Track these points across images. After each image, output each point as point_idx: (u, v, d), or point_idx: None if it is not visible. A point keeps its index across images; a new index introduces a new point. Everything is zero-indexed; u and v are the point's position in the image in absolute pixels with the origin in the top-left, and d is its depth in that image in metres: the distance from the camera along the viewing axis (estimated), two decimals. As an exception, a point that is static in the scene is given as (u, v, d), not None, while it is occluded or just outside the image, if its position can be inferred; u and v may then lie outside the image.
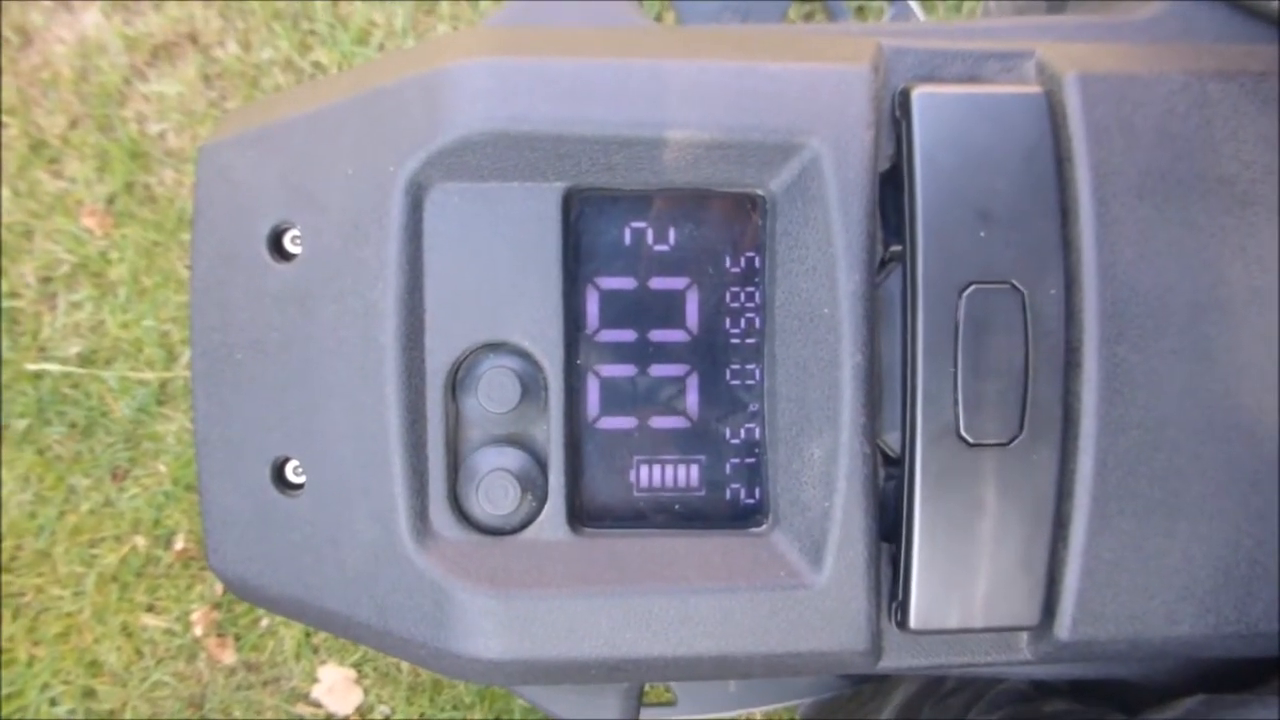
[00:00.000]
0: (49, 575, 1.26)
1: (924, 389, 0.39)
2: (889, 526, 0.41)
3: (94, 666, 1.26)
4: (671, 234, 0.41)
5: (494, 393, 0.40)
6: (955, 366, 0.39)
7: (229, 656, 1.26)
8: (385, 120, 0.39)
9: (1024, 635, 0.42)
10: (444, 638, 0.39)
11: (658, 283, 0.41)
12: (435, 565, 0.39)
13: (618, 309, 0.41)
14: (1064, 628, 0.40)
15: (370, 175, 0.39)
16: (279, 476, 0.42)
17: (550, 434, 0.41)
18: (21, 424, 1.25)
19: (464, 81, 0.38)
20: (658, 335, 0.41)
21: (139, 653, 1.26)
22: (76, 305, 1.25)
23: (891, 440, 0.41)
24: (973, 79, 0.41)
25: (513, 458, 0.41)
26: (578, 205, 0.41)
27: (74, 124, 1.26)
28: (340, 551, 0.41)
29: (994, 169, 0.39)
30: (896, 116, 0.40)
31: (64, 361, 1.25)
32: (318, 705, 1.26)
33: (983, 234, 0.38)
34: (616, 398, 0.42)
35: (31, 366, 1.25)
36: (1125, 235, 0.39)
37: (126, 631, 1.26)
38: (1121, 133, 0.39)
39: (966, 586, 0.39)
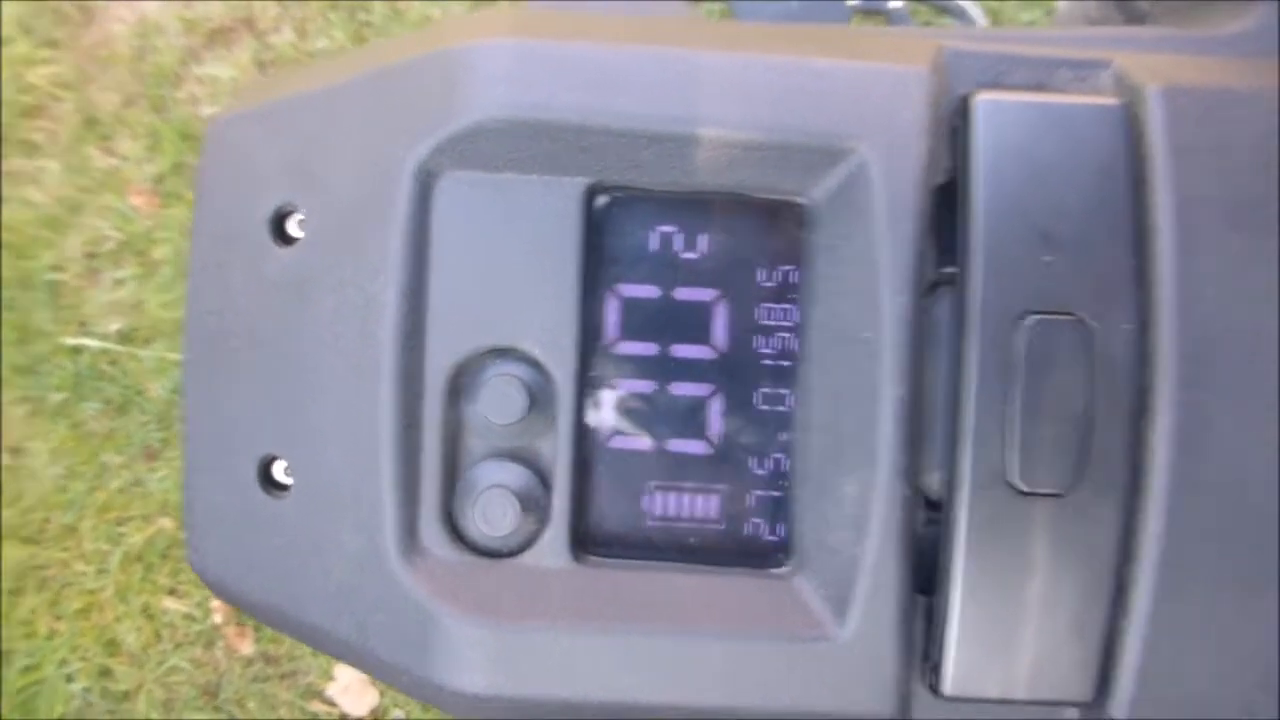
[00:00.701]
0: (74, 550, 1.25)
1: (973, 428, 0.35)
2: (925, 578, 0.37)
3: (112, 645, 1.25)
4: (702, 241, 0.38)
5: (498, 402, 0.36)
6: (1009, 405, 0.35)
7: (247, 646, 1.25)
8: (397, 101, 0.36)
9: (1073, 711, 0.37)
10: (426, 665, 0.36)
11: (684, 293, 0.38)
12: (422, 585, 0.36)
13: (639, 319, 0.38)
14: (1121, 706, 0.35)
15: (378, 159, 0.36)
16: (266, 476, 0.39)
17: (557, 451, 0.37)
18: (58, 398, 1.25)
19: (482, 63, 0.35)
20: (681, 351, 0.38)
21: (158, 635, 1.25)
22: (119, 283, 1.25)
23: (933, 482, 0.37)
24: (1041, 88, 0.37)
25: (515, 474, 0.37)
26: (601, 204, 0.37)
27: (128, 102, 1.26)
28: (324, 561, 0.38)
29: (1063, 187, 0.35)
30: (955, 125, 0.36)
31: (103, 338, 1.25)
32: (332, 704, 1.24)
33: (1047, 259, 0.34)
34: (632, 416, 0.38)
35: (71, 341, 1.25)
36: (1209, 267, 0.34)
37: (147, 613, 1.25)
38: (1209, 153, 0.35)
39: (1010, 651, 0.35)
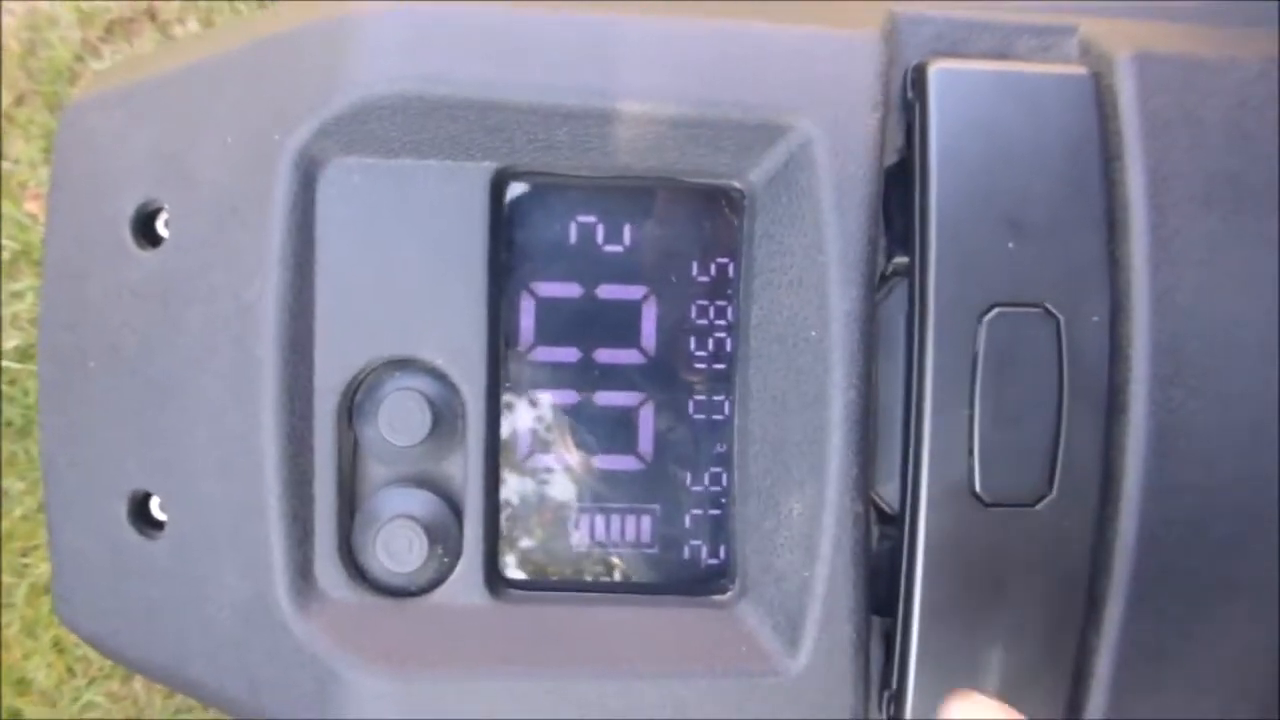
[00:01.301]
0: (-24, 584, 1.18)
1: (931, 434, 0.32)
2: (881, 598, 0.34)
3: (21, 685, 1.18)
4: (626, 232, 0.34)
5: (399, 421, 0.33)
6: (971, 408, 0.32)
7: (167, 677, 1.19)
8: (273, 78, 0.32)
9: (1043, 736, 0.35)
10: (327, 725, 0.32)
11: (608, 291, 0.34)
12: (319, 634, 0.32)
13: (557, 322, 0.34)
14: None
15: (252, 145, 0.32)
16: (139, 513, 0.35)
17: (467, 474, 0.34)
18: (-48, 421, 1.18)
19: (369, 31, 0.31)
20: (606, 356, 0.35)
21: (71, 671, 1.18)
22: (17, 295, 1.18)
23: (888, 494, 0.34)
24: (1002, 56, 0.34)
25: (421, 502, 0.33)
26: (511, 192, 0.34)
27: (19, 101, 1.19)
28: (206, 610, 0.33)
29: (1027, 165, 0.32)
30: (909, 98, 0.33)
31: (2, 355, 1.18)
32: (260, 732, 1.19)
33: (1010, 245, 0.32)
34: (552, 431, 0.35)
35: (-36, 359, 1.17)
36: (1185, 252, 0.32)
37: (58, 647, 1.19)
38: (1184, 127, 0.32)
39: (975, 675, 0.33)
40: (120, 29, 1.18)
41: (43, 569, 1.17)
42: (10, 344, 1.17)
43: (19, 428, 1.17)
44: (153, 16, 1.18)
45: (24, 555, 1.18)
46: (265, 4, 1.17)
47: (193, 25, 1.18)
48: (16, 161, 1.17)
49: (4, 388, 1.17)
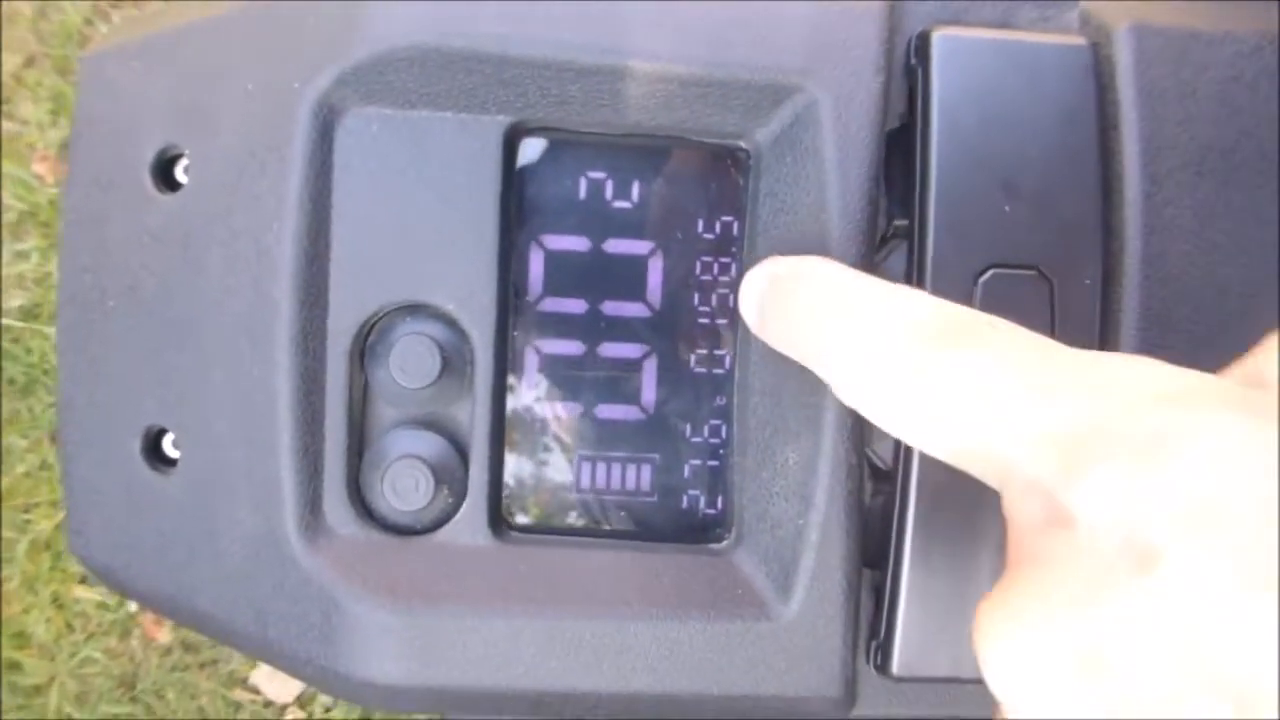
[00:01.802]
0: (-23, 539, 1.18)
1: None
2: (873, 551, 0.34)
3: (21, 638, 1.19)
4: (635, 188, 0.35)
5: (409, 364, 0.33)
6: None
7: (164, 635, 1.19)
8: (293, 28, 0.32)
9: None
10: (332, 655, 0.33)
11: (615, 245, 0.35)
12: (326, 567, 0.33)
13: (565, 274, 0.35)
14: None
15: (272, 93, 0.32)
16: (152, 450, 0.35)
17: (474, 418, 0.34)
18: (-44, 377, 1.18)
19: (389, -17, 0.31)
20: (612, 308, 0.35)
21: (69, 626, 1.19)
22: (22, 255, 1.18)
23: (882, 450, 0.35)
24: (1004, 26, 0.34)
25: (428, 443, 0.34)
26: (523, 145, 0.34)
27: (29, 63, 1.19)
28: (217, 543, 0.34)
29: (1025, 132, 0.32)
30: (911, 64, 0.33)
31: (5, 314, 1.18)
32: (256, 691, 1.19)
33: (1007, 209, 0.32)
34: (557, 379, 0.35)
35: (-31, 317, 1.18)
36: (1178, 219, 0.33)
37: (58, 603, 1.19)
38: (1180, 97, 0.33)
39: (962, 629, 0.33)
40: (130, -9, 1.18)
41: (43, 525, 1.18)
42: (14, 303, 1.17)
43: (21, 385, 1.18)
44: (163, -21, 1.18)
45: (25, 511, 1.19)
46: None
47: (203, -11, 1.17)
48: (25, 123, 1.17)
49: (7, 345, 1.18)
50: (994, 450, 0.22)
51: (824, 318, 0.26)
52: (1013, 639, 0.20)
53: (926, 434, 0.24)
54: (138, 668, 1.19)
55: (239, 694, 1.19)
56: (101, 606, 1.19)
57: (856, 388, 0.25)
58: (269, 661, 0.35)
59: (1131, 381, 0.21)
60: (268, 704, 1.19)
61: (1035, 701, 0.20)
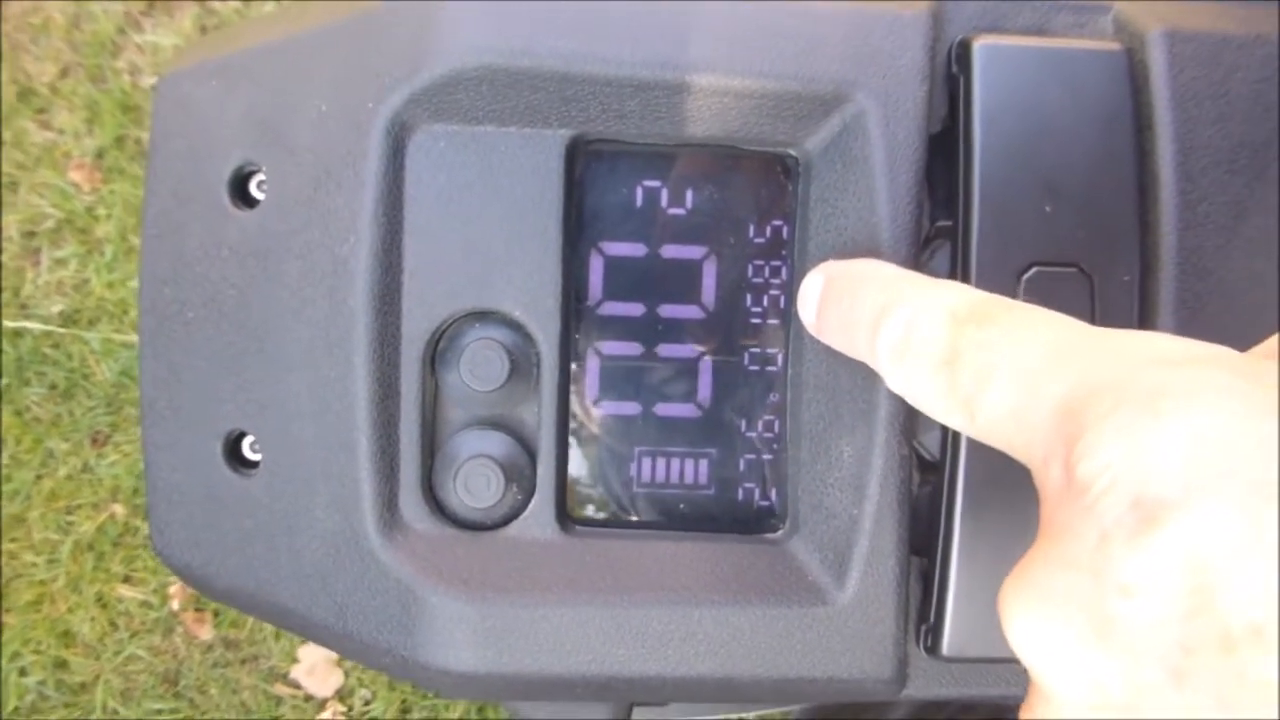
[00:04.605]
0: (23, 541, 1.21)
1: None
2: (921, 539, 0.36)
3: (66, 637, 1.21)
4: (689, 196, 0.36)
5: (479, 368, 0.35)
6: None
7: (206, 632, 1.22)
8: (365, 50, 0.34)
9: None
10: (410, 645, 0.35)
11: (671, 251, 0.36)
12: (403, 562, 0.35)
13: (624, 279, 0.36)
14: None
15: (346, 113, 0.34)
16: (233, 453, 0.37)
17: (541, 418, 0.36)
18: (-1, 383, 1.21)
19: (457, 7, 0.33)
20: (669, 311, 0.36)
21: (113, 624, 1.22)
22: (61, 262, 1.21)
23: (929, 442, 0.36)
24: (1041, 33, 0.36)
25: (497, 443, 0.36)
26: (584, 158, 0.36)
27: (64, 73, 1.21)
28: (297, 541, 0.36)
29: (1063, 135, 0.33)
30: (953, 71, 0.35)
31: (45, 320, 1.21)
32: (296, 686, 1.22)
33: (1048, 209, 0.33)
34: (618, 380, 0.37)
35: (11, 324, 1.20)
36: (1212, 215, 0.34)
37: (101, 602, 1.22)
38: (1212, 99, 0.34)
39: None
40: (161, 3, 1.20)
41: (86, 526, 1.21)
42: (55, 309, 1.20)
43: (63, 390, 1.20)
44: (193, -10, 1.19)
45: (69, 513, 1.21)
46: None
47: (234, 2, 1.19)
48: (61, 132, 1.20)
49: (47, 351, 1.20)
50: (1019, 424, 0.23)
51: (878, 314, 0.28)
52: (1031, 608, 0.21)
53: (962, 413, 0.25)
54: (180, 664, 1.22)
55: (280, 689, 1.22)
56: (144, 605, 1.22)
57: (904, 376, 0.27)
58: (348, 653, 0.37)
59: (1138, 349, 0.22)
60: (308, 699, 1.22)
61: (1057, 667, 0.20)
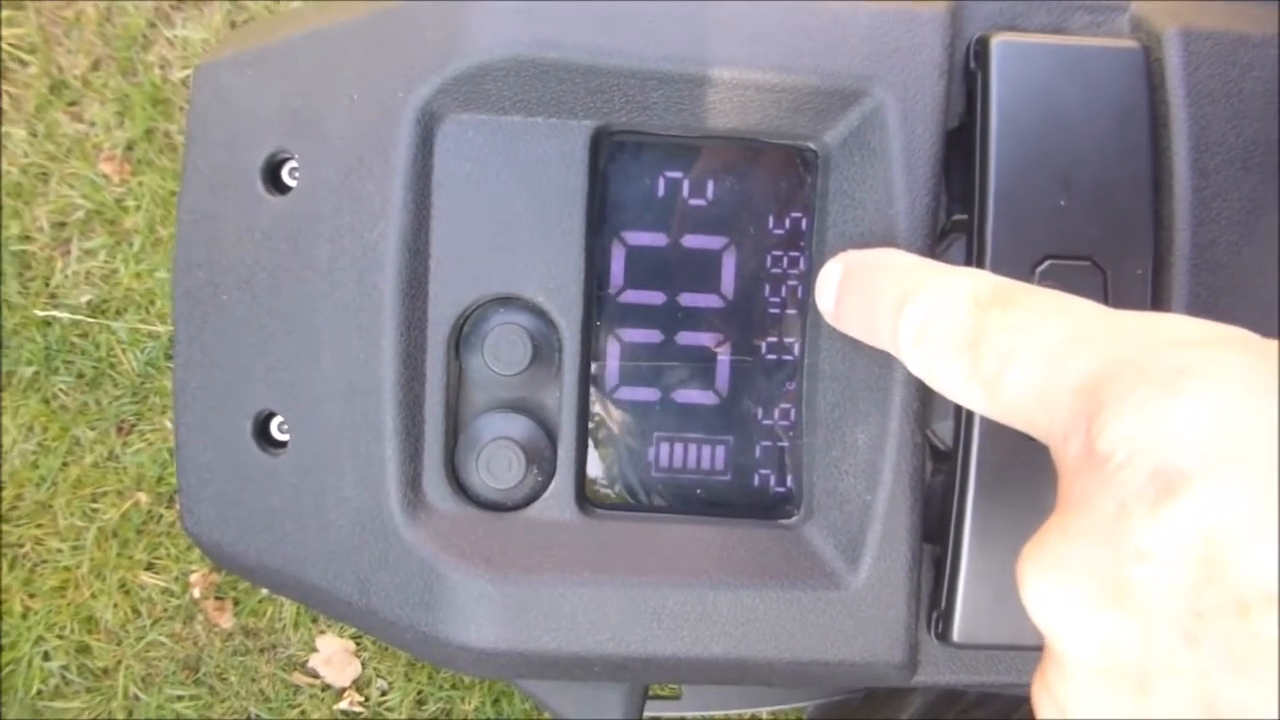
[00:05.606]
0: (48, 527, 1.23)
1: None
2: (933, 527, 0.36)
3: (89, 622, 1.23)
4: (710, 187, 0.37)
5: (502, 352, 0.36)
6: None
7: (227, 620, 1.23)
8: (396, 41, 0.35)
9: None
10: (432, 622, 0.36)
11: (691, 241, 0.37)
12: (426, 540, 0.35)
13: (645, 268, 0.37)
14: None
15: (377, 102, 0.35)
16: (262, 433, 0.38)
17: (562, 402, 0.36)
18: (28, 371, 1.22)
19: (487, 2, 0.34)
20: (688, 299, 0.37)
21: (136, 611, 1.23)
22: (90, 253, 1.23)
23: (942, 431, 0.37)
24: (1058, 31, 0.36)
25: (519, 426, 0.37)
26: (608, 148, 0.36)
27: (96, 66, 1.23)
28: (324, 519, 0.37)
29: (1079, 131, 0.34)
30: (971, 68, 0.35)
31: (74, 310, 1.22)
32: (314, 675, 1.23)
33: (1062, 203, 0.34)
34: (638, 366, 0.37)
35: (41, 313, 1.22)
36: (1225, 211, 0.34)
37: (124, 589, 1.23)
38: (1226, 97, 0.34)
39: (1018, 598, 0.35)
40: (192, -3, 1.22)
41: (111, 514, 1.22)
42: (83, 299, 1.22)
43: (90, 379, 1.22)
44: (223, -15, 1.21)
45: (94, 500, 1.23)
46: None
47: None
48: (92, 124, 1.21)
49: (75, 340, 1.22)
50: (1040, 403, 0.23)
51: (899, 299, 0.28)
52: (1049, 574, 0.21)
53: (984, 394, 0.25)
54: (201, 651, 1.23)
55: (298, 678, 1.23)
56: (166, 593, 1.23)
57: (926, 359, 0.27)
58: (371, 630, 0.38)
59: (1158, 329, 0.22)
60: (326, 688, 1.23)
61: (1072, 631, 0.21)
